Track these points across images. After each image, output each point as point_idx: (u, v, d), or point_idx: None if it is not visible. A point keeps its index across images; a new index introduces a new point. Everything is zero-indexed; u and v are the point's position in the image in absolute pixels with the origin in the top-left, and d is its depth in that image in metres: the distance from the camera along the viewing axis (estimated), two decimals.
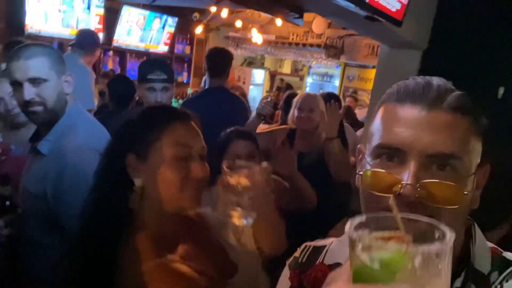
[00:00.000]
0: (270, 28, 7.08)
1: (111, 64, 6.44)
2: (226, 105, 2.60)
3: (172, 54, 7.39)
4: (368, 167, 0.62)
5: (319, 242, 0.80)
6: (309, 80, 10.19)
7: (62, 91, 1.44)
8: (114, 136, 1.03)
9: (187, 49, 7.86)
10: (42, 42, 1.51)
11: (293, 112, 2.47)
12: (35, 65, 1.37)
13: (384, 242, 0.38)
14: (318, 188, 2.19)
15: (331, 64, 7.82)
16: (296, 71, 10.63)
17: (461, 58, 2.07)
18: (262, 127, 3.39)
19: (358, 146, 0.71)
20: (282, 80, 8.40)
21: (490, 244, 0.66)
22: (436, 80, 0.63)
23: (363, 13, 1.51)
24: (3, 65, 1.98)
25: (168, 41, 7.15)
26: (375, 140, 0.63)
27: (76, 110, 1.49)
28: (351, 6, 1.39)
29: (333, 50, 6.60)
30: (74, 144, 1.38)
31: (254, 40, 6.74)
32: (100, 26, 5.81)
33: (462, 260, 0.62)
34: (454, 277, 0.60)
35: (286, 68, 10.46)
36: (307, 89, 8.98)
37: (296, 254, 0.80)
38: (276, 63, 10.30)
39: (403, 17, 1.74)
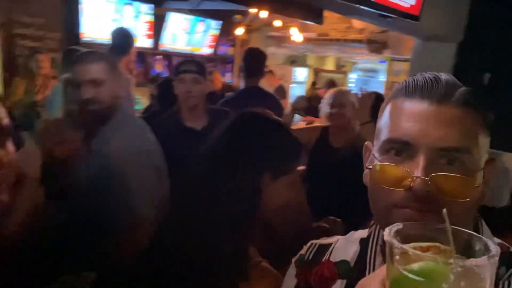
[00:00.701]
0: (311, 26, 7.07)
1: (159, 68, 6.79)
2: (261, 104, 2.70)
3: (216, 56, 7.63)
4: (377, 162, 0.62)
5: (325, 240, 0.81)
6: (353, 76, 10.02)
7: (116, 94, 1.59)
8: (248, 154, 1.01)
9: (231, 50, 8.07)
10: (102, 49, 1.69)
11: (325, 108, 2.52)
12: (95, 68, 1.55)
13: (426, 253, 0.38)
14: (354, 181, 2.22)
15: (375, 59, 7.65)
16: (340, 67, 10.51)
17: (499, 50, 1.99)
18: (300, 125, 3.45)
19: (365, 143, 0.71)
20: (314, 84, 8.35)
21: (498, 240, 0.66)
22: (444, 76, 0.63)
23: (375, 11, 1.53)
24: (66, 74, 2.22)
25: (212, 43, 7.39)
26: (384, 135, 0.63)
27: (125, 113, 1.65)
28: (360, 6, 1.42)
29: (375, 45, 6.47)
30: (119, 145, 1.53)
31: (294, 38, 6.78)
32: (150, 33, 6.16)
33: None
34: None
35: (330, 65, 10.38)
36: (351, 86, 8.85)
37: (302, 251, 0.81)
38: (319, 60, 10.25)
39: (420, 12, 1.72)
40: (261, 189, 0.98)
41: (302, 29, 6.92)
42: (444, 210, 0.45)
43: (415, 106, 0.61)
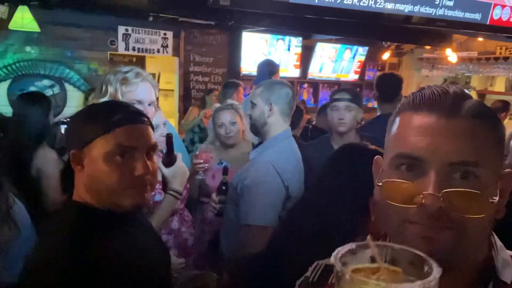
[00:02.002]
0: (472, 44, 6.41)
1: (305, 95, 7.19)
2: None
3: (362, 81, 7.61)
4: (387, 178, 0.61)
5: (330, 261, 0.79)
6: None
7: (263, 115, 1.88)
8: (350, 180, 1.12)
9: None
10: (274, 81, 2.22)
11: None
12: (254, 93, 1.98)
13: (366, 279, 0.37)
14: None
15: None
16: (511, 88, 9.10)
17: None
18: None
19: (375, 157, 0.70)
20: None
21: (510, 252, 0.64)
22: (452, 88, 0.61)
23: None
24: (228, 100, 2.67)
25: (359, 70, 7.42)
26: (393, 150, 0.62)
27: (278, 134, 1.88)
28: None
29: None
30: (264, 159, 1.80)
31: (449, 59, 6.27)
32: (298, 63, 6.63)
33: (486, 271, 0.61)
34: None
35: (499, 86, 9.08)
36: None
37: (307, 274, 0.77)
38: (486, 81, 9.08)
39: None
40: (368, 208, 1.05)
41: (460, 49, 6.35)
42: (368, 237, 0.45)
43: (423, 120, 0.59)
